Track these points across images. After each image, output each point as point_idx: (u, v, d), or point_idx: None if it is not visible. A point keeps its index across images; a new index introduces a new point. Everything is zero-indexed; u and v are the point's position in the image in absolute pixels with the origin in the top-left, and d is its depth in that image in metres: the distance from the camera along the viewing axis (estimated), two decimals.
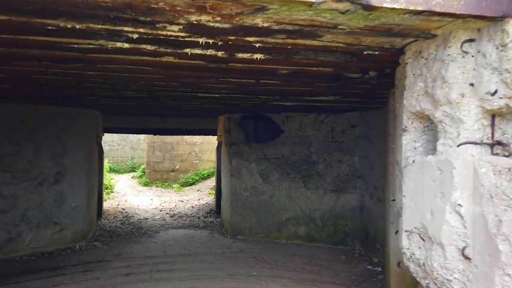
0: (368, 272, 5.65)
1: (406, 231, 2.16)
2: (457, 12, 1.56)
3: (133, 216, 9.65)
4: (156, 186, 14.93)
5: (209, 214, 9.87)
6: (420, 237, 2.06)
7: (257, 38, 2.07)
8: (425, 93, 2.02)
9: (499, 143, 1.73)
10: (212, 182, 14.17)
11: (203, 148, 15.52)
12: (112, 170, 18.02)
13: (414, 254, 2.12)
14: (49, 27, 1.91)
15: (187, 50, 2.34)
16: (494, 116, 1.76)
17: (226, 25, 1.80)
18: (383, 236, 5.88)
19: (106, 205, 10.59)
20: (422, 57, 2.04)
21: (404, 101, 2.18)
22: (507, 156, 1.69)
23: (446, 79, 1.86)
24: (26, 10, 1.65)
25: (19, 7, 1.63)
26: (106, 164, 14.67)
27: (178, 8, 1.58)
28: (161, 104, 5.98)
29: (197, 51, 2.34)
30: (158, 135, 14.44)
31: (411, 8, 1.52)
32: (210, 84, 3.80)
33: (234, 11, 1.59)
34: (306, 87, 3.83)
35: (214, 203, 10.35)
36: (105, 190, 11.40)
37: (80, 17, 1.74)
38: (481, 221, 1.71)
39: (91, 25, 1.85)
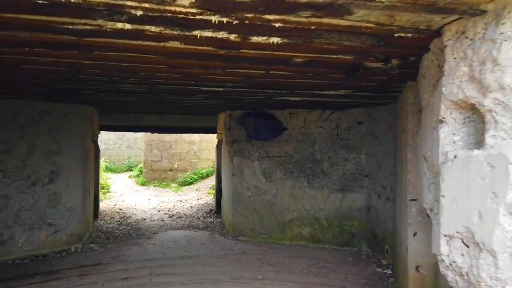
0: (378, 275, 5.41)
1: (445, 235, 1.91)
2: None
3: (130, 217, 9.36)
4: (154, 186, 14.63)
5: (209, 214, 9.60)
6: (464, 242, 1.82)
7: (277, 17, 1.81)
8: (470, 78, 1.78)
9: None
10: (211, 181, 13.90)
11: (202, 146, 15.23)
12: (108, 169, 17.71)
13: (455, 262, 1.87)
14: (40, 1, 1.64)
15: (196, 33, 2.08)
16: None
17: None
18: (392, 237, 5.66)
19: (103, 205, 10.30)
20: (467, 38, 1.79)
21: (443, 89, 1.93)
22: None
23: (498, 61, 1.62)
24: None
25: None
26: (102, 163, 14.38)
27: None
28: (160, 99, 5.72)
29: (208, 33, 2.08)
30: (155, 134, 14.15)
31: None
32: (216, 76, 3.54)
33: None
34: (318, 79, 3.58)
35: (214, 203, 10.08)
36: (102, 190, 11.10)
37: None
38: None
39: None
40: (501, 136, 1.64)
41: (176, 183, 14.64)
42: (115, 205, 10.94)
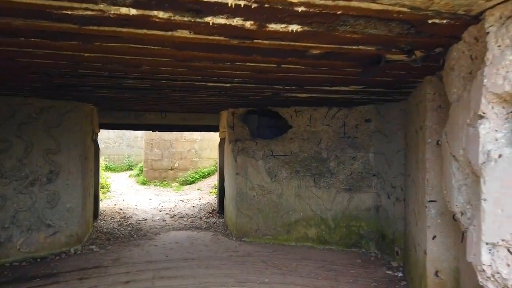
0: (389, 277, 5.22)
1: (487, 243, 1.72)
2: None
3: (131, 217, 9.17)
4: (155, 185, 14.42)
5: (211, 215, 9.41)
6: (510, 252, 1.63)
7: None
8: None
9: None
10: (213, 180, 13.71)
11: (203, 145, 15.02)
12: (108, 169, 17.50)
13: (498, 273, 1.68)
14: None
15: (209, 19, 1.88)
16: None
17: None
18: (402, 239, 5.47)
19: (103, 205, 10.10)
20: None
21: (485, 81, 1.74)
22: None
23: None
24: None
25: None
26: (102, 162, 14.18)
27: None
28: (163, 97, 5.52)
29: (221, 20, 1.89)
30: (156, 132, 13.94)
31: None
32: (224, 71, 3.34)
33: None
34: (331, 73, 3.38)
35: (216, 202, 9.89)
36: (101, 190, 10.90)
37: None
38: None
39: None
40: None
41: (177, 182, 14.44)
42: (115, 205, 10.75)
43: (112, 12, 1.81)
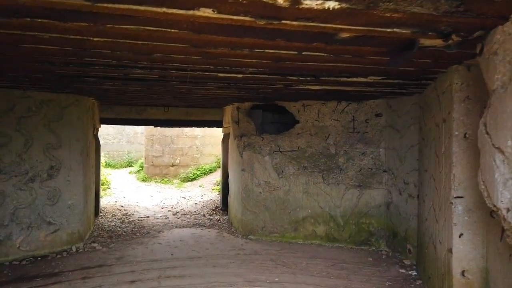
0: (403, 276, 5.06)
1: None
2: None
3: (133, 214, 8.97)
4: (156, 182, 14.21)
5: (214, 212, 9.22)
6: None
7: None
8: None
9: None
10: (214, 177, 13.52)
11: (205, 141, 14.82)
12: (107, 165, 17.29)
13: None
14: None
15: None
16: None
17: None
18: (415, 236, 5.31)
19: (103, 202, 9.89)
20: None
21: None
22: None
23: None
24: None
25: None
26: (102, 158, 13.95)
27: None
28: (168, 89, 5.31)
29: None
30: (157, 128, 13.74)
31: None
32: (239, 59, 3.15)
33: None
34: (354, 62, 3.20)
35: (220, 199, 9.71)
36: (102, 186, 10.70)
37: None
38: None
39: None
40: None
41: (178, 179, 14.24)
42: (116, 202, 10.54)
43: None
